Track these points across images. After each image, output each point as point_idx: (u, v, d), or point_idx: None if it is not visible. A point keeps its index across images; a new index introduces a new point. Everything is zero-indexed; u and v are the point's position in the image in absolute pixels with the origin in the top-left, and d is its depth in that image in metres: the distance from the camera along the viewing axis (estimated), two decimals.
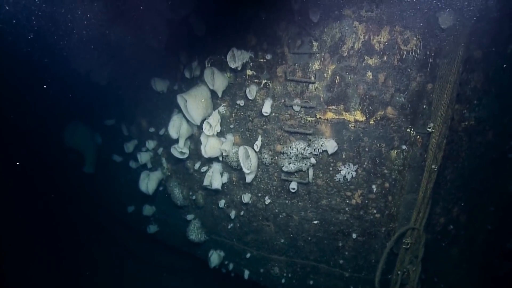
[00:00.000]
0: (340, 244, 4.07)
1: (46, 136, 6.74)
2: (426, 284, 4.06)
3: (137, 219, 5.69)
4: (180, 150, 4.35)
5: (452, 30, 3.21)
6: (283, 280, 4.45)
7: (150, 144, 5.06)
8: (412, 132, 3.57)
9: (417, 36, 3.31)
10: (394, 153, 3.63)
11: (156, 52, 4.40)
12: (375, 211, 3.83)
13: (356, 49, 3.44)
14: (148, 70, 4.65)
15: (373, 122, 3.58)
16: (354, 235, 3.94)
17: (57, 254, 6.81)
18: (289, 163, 3.82)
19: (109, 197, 6.37)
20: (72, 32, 4.06)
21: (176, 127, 4.26)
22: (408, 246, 3.66)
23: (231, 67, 3.76)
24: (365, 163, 3.69)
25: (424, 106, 3.48)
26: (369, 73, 3.47)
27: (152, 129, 5.07)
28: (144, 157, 5.09)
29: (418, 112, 3.51)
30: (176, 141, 4.36)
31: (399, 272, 3.66)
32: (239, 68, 3.74)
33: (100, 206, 6.73)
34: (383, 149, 3.63)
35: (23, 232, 7.13)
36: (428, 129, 3.45)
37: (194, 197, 4.76)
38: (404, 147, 3.60)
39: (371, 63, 3.44)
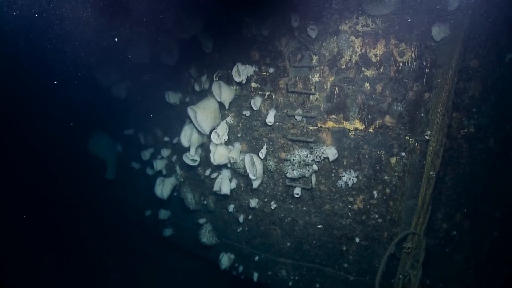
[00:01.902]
0: (344, 248, 4.19)
1: (73, 145, 7.28)
2: None
3: (154, 222, 6.03)
4: (192, 157, 4.64)
5: (445, 41, 3.33)
6: (290, 283, 4.60)
7: (165, 152, 5.40)
8: (410, 139, 3.67)
9: (412, 48, 3.44)
10: (393, 160, 3.75)
11: (169, 68, 4.77)
12: (377, 216, 3.94)
13: (353, 61, 3.62)
14: (162, 84, 5.03)
15: (372, 130, 3.72)
16: (357, 239, 4.06)
17: (74, 256, 7.11)
18: (293, 170, 4.02)
19: (128, 202, 6.78)
20: (98, 53, 4.52)
21: (187, 137, 4.56)
22: (409, 251, 3.74)
23: (236, 81, 4.04)
24: (366, 170, 3.83)
25: (422, 115, 3.58)
26: (367, 84, 3.63)
27: (166, 138, 5.40)
28: (159, 164, 5.43)
29: (416, 120, 3.61)
30: (188, 149, 4.66)
31: (400, 276, 3.75)
32: (243, 82, 4.00)
33: (120, 210, 7.15)
34: (382, 156, 3.75)
35: (41, 236, 7.50)
36: (426, 137, 3.55)
37: (205, 202, 5.02)
38: (403, 154, 3.71)
39: (368, 75, 3.60)
